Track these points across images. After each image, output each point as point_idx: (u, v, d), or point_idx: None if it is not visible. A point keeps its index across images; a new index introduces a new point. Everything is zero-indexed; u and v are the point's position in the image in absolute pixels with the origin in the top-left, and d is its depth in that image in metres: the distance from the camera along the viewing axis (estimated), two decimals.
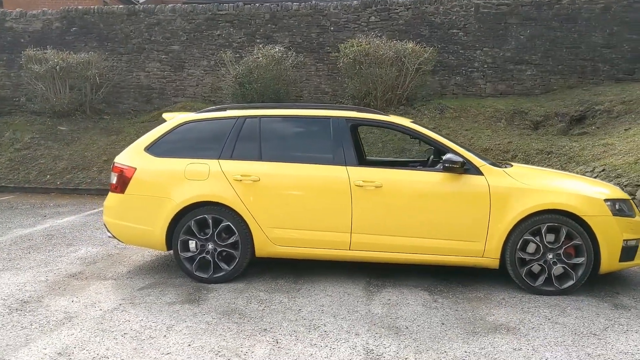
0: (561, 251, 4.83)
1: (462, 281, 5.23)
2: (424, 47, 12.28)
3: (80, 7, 15.16)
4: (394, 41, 12.38)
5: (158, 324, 4.17)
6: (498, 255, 4.92)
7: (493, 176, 4.98)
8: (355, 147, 5.41)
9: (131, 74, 14.78)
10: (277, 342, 3.84)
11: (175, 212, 5.15)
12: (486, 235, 4.91)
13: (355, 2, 13.89)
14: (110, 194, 5.51)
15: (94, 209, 9.13)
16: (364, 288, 5.04)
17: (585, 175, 7.83)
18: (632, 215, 5.02)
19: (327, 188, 5.10)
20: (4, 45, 15.01)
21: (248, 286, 5.07)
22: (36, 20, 15.07)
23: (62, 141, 12.67)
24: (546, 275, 4.86)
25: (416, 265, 5.36)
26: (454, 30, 13.54)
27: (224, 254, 5.18)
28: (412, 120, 5.72)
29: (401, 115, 10.68)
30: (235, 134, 5.34)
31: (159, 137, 5.45)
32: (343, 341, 3.87)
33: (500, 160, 8.91)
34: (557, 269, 4.85)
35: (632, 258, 4.96)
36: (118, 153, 5.84)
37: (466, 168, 4.98)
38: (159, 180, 5.29)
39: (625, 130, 10.13)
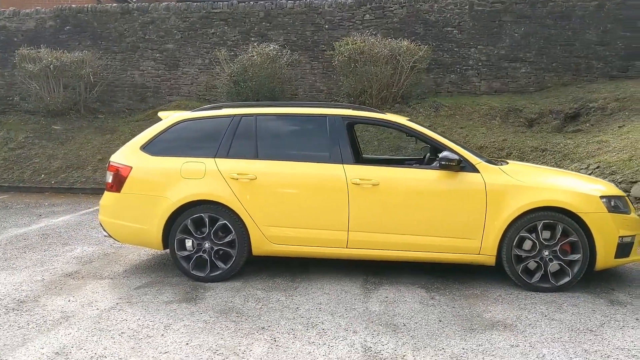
0: (557, 248, 4.85)
1: (458, 278, 5.25)
2: (419, 45, 12.30)
3: (73, 5, 15.12)
4: (389, 39, 12.39)
5: (155, 323, 4.17)
6: (494, 252, 4.93)
7: (489, 174, 5.00)
8: (352, 145, 5.42)
9: (125, 72, 14.74)
10: (275, 341, 3.84)
11: (171, 211, 5.14)
12: (482, 233, 4.92)
13: (349, 0, 13.88)
14: (106, 193, 5.49)
15: (89, 208, 9.11)
16: (361, 286, 5.04)
17: (579, 173, 7.86)
18: (627, 212, 5.05)
19: (323, 186, 5.11)
20: None
21: (245, 285, 5.07)
22: (29, 19, 15.01)
23: (57, 140, 12.63)
24: (542, 272, 4.88)
25: (413, 263, 5.37)
26: (449, 28, 13.56)
27: (221, 252, 5.18)
28: (408, 118, 5.73)
29: (396, 113, 10.67)
30: (232, 132, 5.34)
31: (154, 136, 5.44)
32: (341, 339, 3.87)
33: (496, 157, 8.93)
34: (553, 266, 4.87)
35: (627, 254, 4.99)
36: (113, 152, 5.82)
37: (462, 166, 4.99)
38: (155, 179, 5.28)
39: (619, 127, 10.17)
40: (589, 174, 8.06)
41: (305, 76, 14.06)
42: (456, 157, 4.97)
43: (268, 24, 14.17)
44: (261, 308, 4.48)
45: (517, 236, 4.86)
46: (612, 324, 4.16)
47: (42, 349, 3.71)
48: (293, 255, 5.26)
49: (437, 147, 5.24)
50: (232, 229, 5.11)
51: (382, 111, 5.84)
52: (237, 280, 5.17)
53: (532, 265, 4.91)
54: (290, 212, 5.13)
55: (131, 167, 5.29)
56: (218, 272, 5.15)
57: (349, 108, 5.63)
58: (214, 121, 5.46)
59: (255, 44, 13.10)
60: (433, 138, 5.24)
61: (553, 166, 8.94)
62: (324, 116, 5.33)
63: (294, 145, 5.42)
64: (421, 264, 5.42)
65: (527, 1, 13.17)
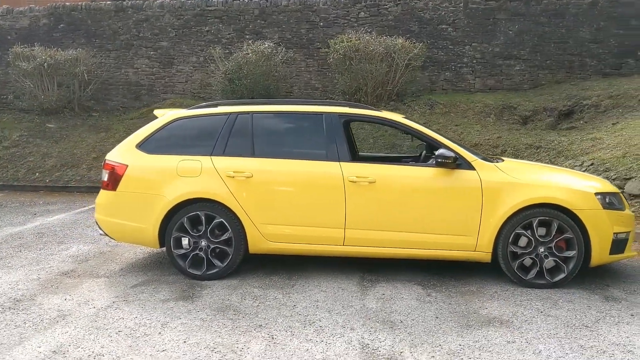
0: (552, 244, 4.87)
1: (454, 275, 5.27)
2: (414, 42, 12.31)
3: (67, 3, 15.04)
4: (384, 37, 12.39)
5: (152, 321, 4.17)
6: (490, 249, 4.96)
7: (485, 171, 5.02)
8: (348, 142, 5.43)
9: (120, 70, 14.69)
10: (273, 338, 3.85)
11: (167, 209, 5.14)
12: (478, 230, 4.94)
13: None
14: (101, 191, 5.48)
15: (84, 206, 9.08)
16: (357, 283, 5.06)
17: (574, 170, 7.89)
18: (622, 209, 5.08)
19: (320, 184, 5.11)
20: None
21: (242, 283, 5.07)
22: (23, 17, 14.93)
23: (51, 139, 12.58)
24: (538, 268, 4.90)
25: (409, 260, 5.39)
26: (443, 26, 13.58)
27: (217, 250, 5.18)
28: (404, 116, 5.75)
29: (391, 111, 10.66)
30: (228, 130, 5.33)
31: (150, 134, 5.43)
32: (338, 336, 3.88)
33: (491, 155, 8.96)
34: (549, 262, 4.89)
35: (622, 251, 5.03)
36: (107, 150, 5.81)
37: (458, 163, 5.01)
38: (151, 177, 5.27)
39: (612, 124, 10.22)
40: (583, 171, 8.10)
41: (300, 74, 14.06)
42: (452, 154, 4.99)
43: (263, 22, 14.15)
44: (258, 306, 4.49)
45: (513, 233, 4.89)
46: (607, 319, 4.19)
47: (39, 347, 3.70)
48: (290, 253, 5.27)
49: (433, 145, 5.25)
50: (229, 227, 5.11)
51: (378, 109, 5.86)
52: (233, 278, 5.18)
53: (527, 261, 4.94)
54: (287, 209, 5.13)
55: (127, 165, 5.28)
56: (214, 270, 5.15)
57: (346, 106, 5.64)
58: (210, 119, 5.46)
59: (250, 41, 13.09)
60: (429, 135, 5.25)
61: (547, 163, 8.97)
62: (321, 114, 5.33)
63: (290, 143, 5.42)
64: (417, 261, 5.44)
65: None
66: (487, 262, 5.05)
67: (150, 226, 5.18)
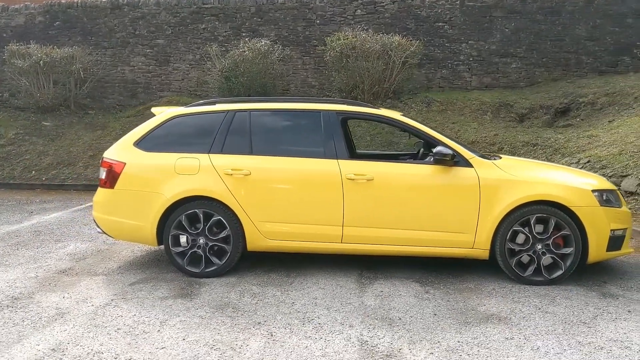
0: (550, 241, 4.88)
1: (452, 272, 5.28)
2: (410, 40, 12.34)
3: (63, 1, 15.02)
4: (381, 34, 12.42)
5: (151, 318, 4.17)
6: (488, 246, 4.97)
7: (482, 168, 5.02)
8: (346, 140, 5.43)
9: (116, 68, 14.67)
10: (272, 335, 3.85)
11: (165, 207, 5.13)
12: (476, 227, 4.95)
13: None
14: (99, 189, 5.47)
15: (81, 204, 9.07)
16: (356, 280, 5.06)
17: (571, 167, 7.92)
18: (619, 206, 5.10)
19: (318, 181, 5.12)
20: None
21: (240, 280, 5.07)
22: (19, 15, 14.90)
23: (47, 137, 12.55)
24: (535, 265, 4.91)
25: (407, 257, 5.40)
26: (440, 24, 13.61)
27: (216, 248, 5.17)
28: (402, 114, 5.74)
29: (389, 108, 10.71)
30: (226, 128, 5.33)
31: (148, 132, 5.42)
32: (337, 333, 3.89)
33: (488, 152, 8.98)
34: (546, 259, 4.91)
35: (618, 247, 5.05)
36: (103, 148, 5.80)
37: (456, 160, 5.01)
38: (149, 175, 5.27)
39: (609, 122, 10.27)
40: (580, 169, 8.13)
41: (296, 72, 14.07)
42: (450, 152, 4.99)
43: (259, 20, 14.14)
44: (257, 303, 4.49)
45: (511, 230, 4.90)
46: (604, 316, 4.21)
47: (38, 345, 3.70)
48: (288, 250, 5.28)
49: (431, 142, 5.26)
50: (227, 225, 5.11)
51: (376, 106, 5.86)
52: (232, 275, 5.18)
53: (525, 258, 4.95)
54: (285, 207, 5.13)
55: (125, 163, 5.27)
56: (213, 268, 5.15)
57: (343, 103, 5.64)
58: (208, 117, 5.45)
59: (246, 39, 13.09)
60: (427, 133, 5.26)
61: (544, 161, 9.00)
62: (318, 111, 5.33)
63: (288, 141, 5.42)
64: (415, 258, 5.45)
65: None
66: (485, 259, 5.06)
67: (149, 224, 5.17)
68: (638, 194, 7.46)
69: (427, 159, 5.29)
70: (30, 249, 6.22)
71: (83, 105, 14.13)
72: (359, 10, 13.80)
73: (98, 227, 5.53)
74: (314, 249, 5.21)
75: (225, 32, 14.23)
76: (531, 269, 4.92)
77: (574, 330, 3.93)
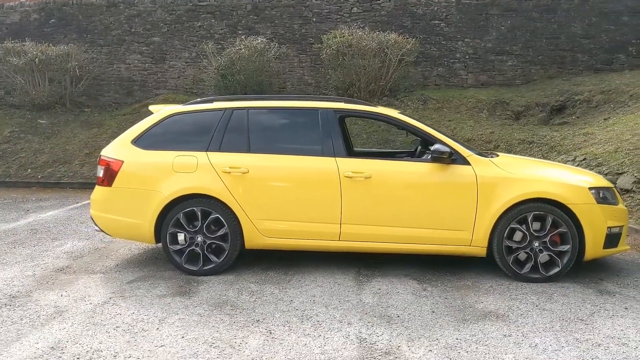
0: (547, 239, 4.91)
1: (450, 270, 5.30)
2: (407, 38, 12.33)
3: None
4: (377, 32, 12.41)
5: (150, 316, 4.17)
6: (485, 243, 4.99)
7: (480, 166, 5.04)
8: (344, 138, 5.44)
9: (111, 66, 14.63)
10: (271, 333, 3.86)
11: (163, 205, 5.13)
12: (474, 224, 4.97)
13: None
14: (97, 187, 5.46)
15: (77, 202, 9.05)
16: (354, 278, 5.08)
17: (567, 165, 7.94)
18: (616, 203, 5.12)
19: (316, 179, 5.12)
20: None
21: (238, 278, 5.08)
22: (14, 12, 14.83)
23: (43, 135, 12.51)
24: (532, 262, 4.94)
25: (404, 255, 5.41)
26: (436, 21, 13.62)
27: (214, 246, 5.18)
28: (399, 111, 5.76)
29: (385, 106, 10.71)
30: (223, 125, 5.32)
31: (146, 130, 5.41)
32: (336, 330, 3.90)
33: (484, 150, 9.00)
34: (543, 257, 4.93)
35: (615, 245, 5.07)
36: (100, 146, 5.80)
37: (454, 158, 5.03)
38: (147, 173, 5.26)
39: (604, 119, 10.30)
40: (576, 166, 8.15)
41: (293, 69, 14.06)
42: (447, 149, 5.01)
43: (256, 17, 14.12)
44: (255, 301, 4.50)
45: (508, 228, 4.92)
46: (602, 313, 4.23)
47: (37, 344, 3.70)
48: (286, 248, 5.28)
49: (428, 140, 5.27)
50: (225, 223, 5.11)
51: (373, 104, 5.87)
52: (229, 273, 5.18)
53: (522, 256, 4.97)
54: (283, 205, 5.14)
55: (122, 161, 5.26)
56: (211, 266, 5.15)
57: (341, 101, 5.65)
58: (206, 115, 5.44)
59: (242, 37, 13.06)
60: (425, 131, 5.27)
61: (540, 158, 9.03)
62: (316, 109, 5.34)
63: (286, 139, 5.41)
64: (413, 256, 5.47)
65: None
66: (483, 257, 5.07)
67: (146, 222, 5.17)
68: (634, 191, 7.49)
69: (424, 157, 5.31)
70: (27, 247, 6.21)
71: (79, 103, 14.08)
72: (355, 8, 13.80)
73: (95, 225, 5.52)
74: (311, 246, 5.21)
75: (221, 29, 14.21)
76: (528, 266, 4.94)
77: (571, 327, 3.95)
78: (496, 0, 13.34)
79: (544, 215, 4.89)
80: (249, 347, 3.65)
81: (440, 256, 5.39)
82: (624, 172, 7.81)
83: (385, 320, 4.09)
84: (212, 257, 5.16)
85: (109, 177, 5.27)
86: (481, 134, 10.66)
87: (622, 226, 5.10)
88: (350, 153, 5.68)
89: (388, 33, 12.40)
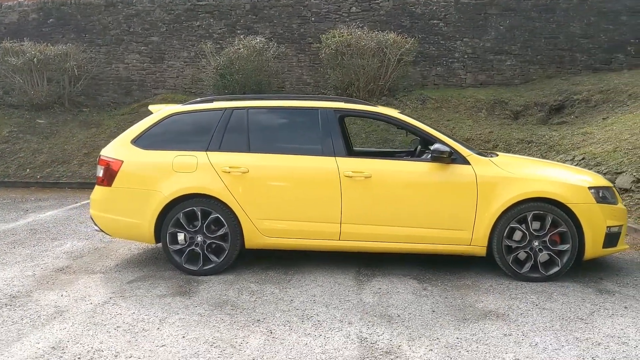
0: (547, 238, 4.91)
1: (450, 269, 5.30)
2: (405, 37, 12.34)
3: None
4: (376, 32, 12.41)
5: (150, 316, 4.17)
6: (485, 243, 4.99)
7: (480, 165, 5.05)
8: (344, 138, 5.44)
9: (110, 65, 14.62)
10: (272, 333, 3.86)
11: (163, 205, 5.12)
12: (473, 224, 4.97)
13: None
14: (96, 187, 5.46)
15: (76, 202, 9.05)
16: (354, 277, 5.08)
17: (566, 164, 7.95)
18: (615, 203, 5.13)
19: (316, 179, 5.12)
20: None
21: (238, 278, 5.08)
22: (12, 12, 14.82)
23: (41, 134, 12.50)
24: (532, 262, 4.94)
25: (404, 254, 5.42)
26: (435, 21, 13.63)
27: (213, 246, 5.18)
28: (399, 111, 5.77)
29: (384, 106, 10.72)
30: (223, 125, 5.33)
31: (145, 130, 5.41)
32: (337, 330, 3.90)
33: (483, 149, 9.01)
34: (543, 256, 4.94)
35: (614, 244, 5.08)
36: (98, 146, 5.79)
37: (453, 158, 5.03)
38: (147, 173, 5.26)
39: (603, 119, 10.31)
40: (575, 166, 8.17)
41: (292, 69, 14.05)
42: (447, 149, 5.01)
43: (254, 17, 14.12)
44: (255, 301, 4.50)
45: (508, 227, 4.93)
46: (601, 312, 4.24)
47: (38, 343, 3.69)
48: (286, 247, 5.28)
49: (428, 140, 5.27)
50: (225, 223, 5.11)
51: (373, 104, 5.87)
52: (229, 273, 5.18)
53: (522, 255, 4.97)
54: (283, 205, 5.14)
55: (122, 161, 5.26)
56: (211, 266, 5.15)
57: (341, 101, 5.65)
58: (206, 114, 5.44)
59: (241, 36, 13.06)
60: (425, 130, 5.27)
61: (539, 158, 9.04)
62: (316, 109, 5.34)
63: (286, 138, 5.41)
64: (413, 256, 5.48)
65: None
66: (482, 256, 5.08)
67: (146, 222, 5.17)
68: (632, 190, 7.50)
69: (424, 157, 5.32)
70: (27, 247, 6.20)
71: (77, 102, 14.07)
72: (354, 8, 13.81)
73: (95, 225, 5.52)
74: (311, 246, 5.22)
75: (220, 29, 14.21)
76: (528, 265, 4.95)
77: (571, 327, 3.96)
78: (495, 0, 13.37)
79: (544, 214, 4.90)
80: (250, 346, 3.65)
81: (440, 256, 5.40)
82: (623, 172, 7.82)
83: (385, 320, 4.09)
84: (212, 257, 5.16)
85: (109, 177, 5.27)
86: (480, 134, 10.68)
87: (622, 225, 5.11)
88: (350, 153, 5.68)
89: (387, 33, 12.40)
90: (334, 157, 5.12)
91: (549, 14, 13.25)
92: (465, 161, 5.05)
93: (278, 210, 5.14)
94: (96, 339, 3.77)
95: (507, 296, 4.59)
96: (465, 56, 13.57)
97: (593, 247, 4.93)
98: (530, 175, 5.09)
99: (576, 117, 11.18)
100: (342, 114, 5.45)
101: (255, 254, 5.59)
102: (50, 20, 14.75)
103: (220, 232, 5.14)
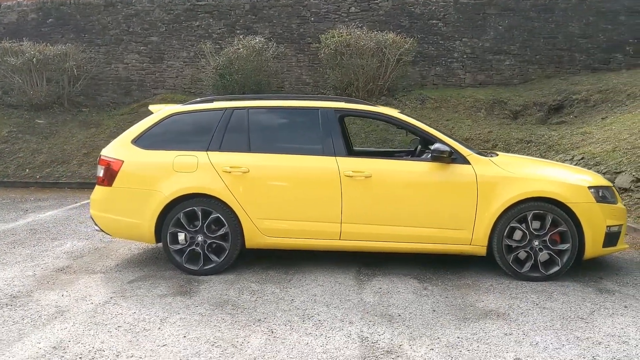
0: (547, 238, 4.92)
1: (450, 269, 5.31)
2: (405, 37, 12.35)
3: None
4: (375, 32, 12.43)
5: (151, 316, 4.17)
6: (485, 242, 5.00)
7: (480, 165, 5.05)
8: (344, 137, 5.45)
9: (109, 65, 14.62)
10: (273, 332, 3.87)
11: (164, 205, 5.12)
12: (474, 224, 4.98)
13: None
14: (97, 187, 5.46)
15: (76, 202, 9.05)
16: (354, 277, 5.09)
17: (565, 164, 7.96)
18: (615, 202, 5.14)
19: (316, 179, 5.13)
20: None
21: (239, 277, 5.08)
22: (11, 12, 14.81)
23: (41, 134, 12.50)
24: (532, 261, 4.95)
25: (404, 254, 5.42)
26: (434, 21, 13.64)
27: (214, 245, 5.18)
28: (399, 111, 5.77)
29: (383, 106, 10.73)
30: (224, 125, 5.33)
31: (146, 130, 5.41)
32: (338, 329, 3.91)
33: (482, 149, 9.02)
34: (543, 256, 4.94)
35: (614, 244, 5.09)
36: (98, 146, 5.80)
37: (454, 157, 5.04)
38: (147, 173, 5.26)
39: (602, 119, 10.33)
40: (574, 165, 8.18)
41: (291, 69, 14.06)
42: (447, 149, 5.02)
43: (254, 17, 14.12)
44: (256, 300, 4.50)
45: (508, 226, 4.93)
46: (601, 311, 4.25)
47: (39, 343, 3.70)
48: (286, 247, 5.29)
49: (428, 140, 5.28)
50: (225, 222, 5.11)
51: (373, 104, 5.88)
52: (230, 273, 5.19)
53: (522, 255, 4.98)
54: (283, 204, 5.14)
55: (122, 161, 5.26)
56: (211, 266, 5.15)
57: (341, 101, 5.66)
58: (206, 114, 5.45)
59: (241, 36, 13.07)
60: (425, 130, 5.28)
61: (538, 157, 9.05)
62: (316, 109, 5.34)
63: (286, 138, 5.42)
64: (413, 255, 5.48)
65: None
66: (483, 256, 5.09)
67: (147, 222, 5.17)
68: (632, 190, 7.52)
69: (424, 156, 5.32)
70: (27, 247, 6.20)
71: (77, 102, 14.07)
72: (353, 8, 13.82)
73: (95, 224, 5.52)
74: (312, 246, 5.22)
75: (219, 29, 14.21)
76: (528, 265, 4.96)
77: (571, 326, 3.97)
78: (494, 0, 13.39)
79: (544, 214, 4.91)
80: (251, 346, 3.65)
81: (440, 255, 5.41)
82: (622, 171, 7.84)
83: (386, 319, 4.10)
84: (213, 257, 5.16)
85: (109, 177, 5.27)
86: (479, 133, 10.69)
87: (621, 225, 5.12)
88: (351, 152, 5.69)
89: (386, 33, 12.42)
90: (334, 157, 5.12)
91: (548, 14, 13.27)
92: (465, 161, 5.06)
93: (278, 210, 5.14)
94: (97, 338, 3.77)
95: (507, 295, 4.60)
96: (465, 56, 13.58)
97: (593, 246, 4.94)
98: (530, 174, 5.09)
99: (575, 116, 11.20)
100: (342, 114, 5.45)
101: (256, 253, 5.60)
102: (50, 20, 14.75)
103: (220, 232, 5.14)
